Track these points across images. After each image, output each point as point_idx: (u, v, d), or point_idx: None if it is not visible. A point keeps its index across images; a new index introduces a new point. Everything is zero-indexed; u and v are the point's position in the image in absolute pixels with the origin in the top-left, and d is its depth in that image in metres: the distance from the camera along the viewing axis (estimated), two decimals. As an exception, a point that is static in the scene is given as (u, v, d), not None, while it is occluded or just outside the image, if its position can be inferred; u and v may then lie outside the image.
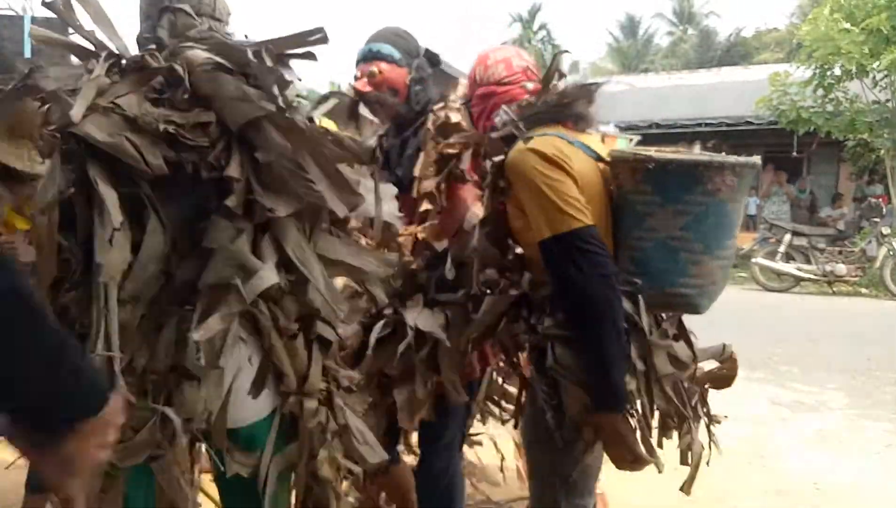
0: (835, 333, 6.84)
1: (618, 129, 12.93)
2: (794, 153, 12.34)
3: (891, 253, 9.47)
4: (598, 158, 1.69)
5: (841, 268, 9.63)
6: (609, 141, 12.70)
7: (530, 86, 1.79)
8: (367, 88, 1.91)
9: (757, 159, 1.63)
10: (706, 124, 13.01)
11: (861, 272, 9.71)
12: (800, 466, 3.53)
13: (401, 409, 1.86)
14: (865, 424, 4.22)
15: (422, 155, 1.93)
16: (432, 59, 2.04)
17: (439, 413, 1.94)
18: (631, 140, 9.67)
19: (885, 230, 9.80)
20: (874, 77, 10.03)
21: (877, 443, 3.90)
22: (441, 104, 1.98)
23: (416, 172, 1.91)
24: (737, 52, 29.04)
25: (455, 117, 1.91)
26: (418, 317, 1.84)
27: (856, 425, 4.20)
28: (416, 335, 1.83)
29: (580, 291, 1.54)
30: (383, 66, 1.93)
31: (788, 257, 9.97)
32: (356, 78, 1.96)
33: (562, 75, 1.81)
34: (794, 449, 3.78)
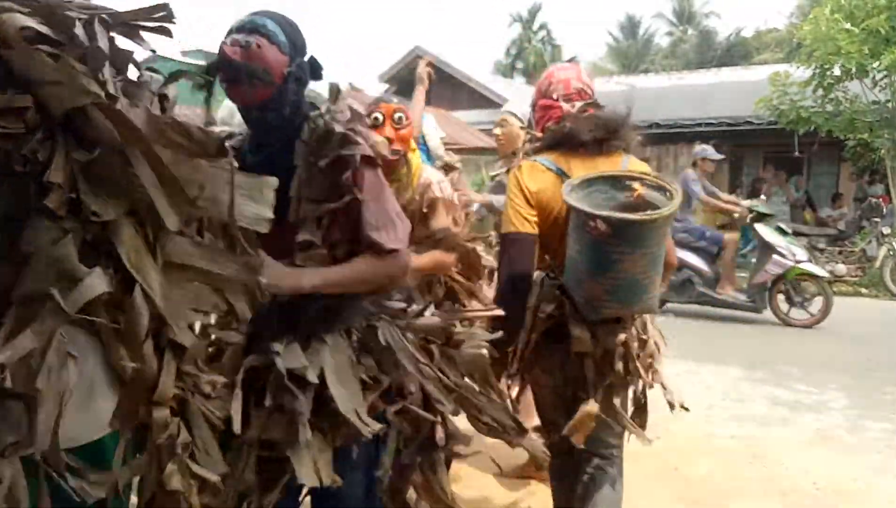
0: (835, 333, 6.85)
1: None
2: (795, 153, 12.34)
3: (891, 253, 9.47)
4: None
5: (841, 268, 9.63)
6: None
7: (577, 106, 2.17)
8: (237, 57, 1.56)
9: (636, 217, 1.83)
10: (706, 124, 13.02)
11: (861, 272, 9.71)
12: (800, 466, 3.53)
13: (301, 465, 1.52)
14: (865, 424, 4.22)
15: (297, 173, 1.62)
16: (315, 68, 1.70)
17: (342, 470, 1.59)
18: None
19: (886, 230, 9.80)
20: (874, 77, 10.03)
21: (877, 443, 3.90)
22: (322, 110, 1.68)
23: (293, 191, 1.60)
24: (737, 52, 29.08)
25: (338, 129, 1.60)
26: (287, 356, 1.55)
27: (856, 425, 4.20)
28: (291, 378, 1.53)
29: (499, 274, 2.19)
30: (264, 42, 1.57)
31: (788, 257, 9.97)
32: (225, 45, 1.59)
33: (597, 106, 2.17)
34: (794, 449, 3.78)
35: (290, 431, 1.51)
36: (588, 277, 1.93)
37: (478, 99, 19.07)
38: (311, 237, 1.58)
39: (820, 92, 10.41)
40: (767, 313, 7.13)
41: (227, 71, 1.56)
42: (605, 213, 1.83)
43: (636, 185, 1.93)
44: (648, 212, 1.85)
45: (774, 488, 3.28)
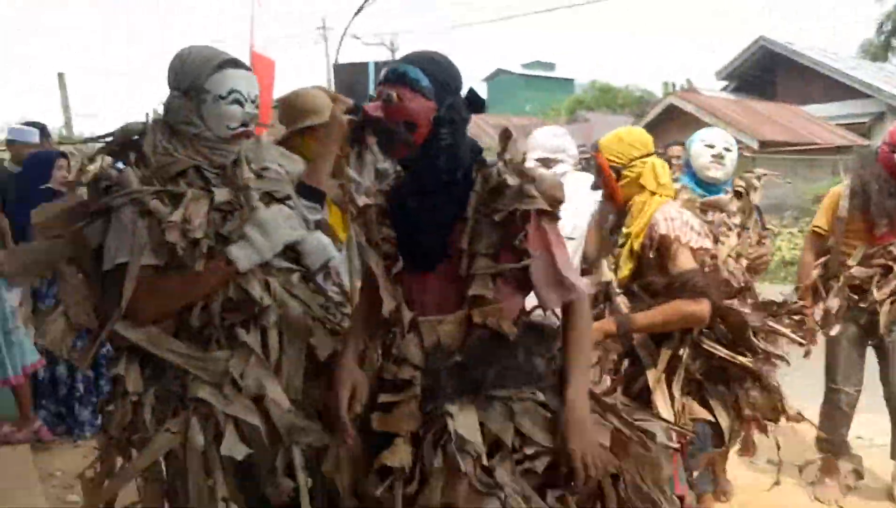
0: None
1: None
2: None
3: None
4: None
5: None
6: None
7: None
8: (378, 114, 1.56)
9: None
10: None
11: None
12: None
13: None
14: None
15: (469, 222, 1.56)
16: (475, 102, 1.62)
17: None
18: None
19: None
20: None
21: None
22: (496, 158, 1.60)
23: (464, 244, 1.55)
24: None
25: (512, 180, 1.53)
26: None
27: None
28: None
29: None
30: (406, 92, 1.54)
31: None
32: (371, 100, 1.62)
33: None
34: None
35: (469, 497, 1.47)
36: None
37: (836, 89, 16.80)
38: (485, 292, 1.54)
39: None
40: None
41: (370, 129, 1.62)
42: None
43: None
44: None
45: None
